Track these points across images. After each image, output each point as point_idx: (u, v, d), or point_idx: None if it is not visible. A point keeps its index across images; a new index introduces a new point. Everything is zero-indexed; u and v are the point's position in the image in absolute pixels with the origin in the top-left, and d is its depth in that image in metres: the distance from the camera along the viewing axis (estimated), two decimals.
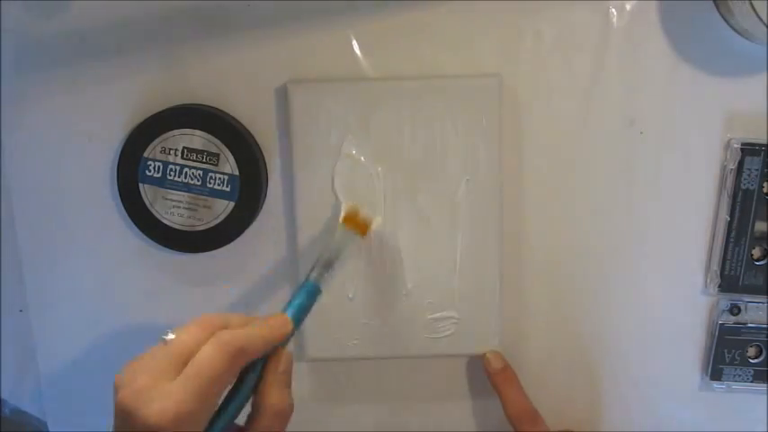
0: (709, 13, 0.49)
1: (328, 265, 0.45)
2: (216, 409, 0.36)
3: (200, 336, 0.36)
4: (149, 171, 0.49)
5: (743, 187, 0.50)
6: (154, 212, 0.50)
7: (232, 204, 0.50)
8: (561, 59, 0.50)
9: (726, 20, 0.48)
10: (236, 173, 0.49)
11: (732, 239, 0.51)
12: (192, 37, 0.50)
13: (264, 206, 0.51)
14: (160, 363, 0.35)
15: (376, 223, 0.50)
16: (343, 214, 0.49)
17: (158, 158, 0.49)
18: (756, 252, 0.51)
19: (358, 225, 0.48)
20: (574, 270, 0.52)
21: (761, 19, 0.44)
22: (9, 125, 0.51)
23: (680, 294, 0.53)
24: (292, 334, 0.41)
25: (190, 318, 0.53)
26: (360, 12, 0.49)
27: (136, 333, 0.54)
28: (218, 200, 0.50)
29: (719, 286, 0.52)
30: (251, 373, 0.38)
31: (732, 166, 0.50)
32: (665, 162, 0.51)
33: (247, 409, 0.39)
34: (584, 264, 0.52)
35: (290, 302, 0.42)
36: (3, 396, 0.55)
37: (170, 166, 0.49)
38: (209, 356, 0.35)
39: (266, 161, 0.51)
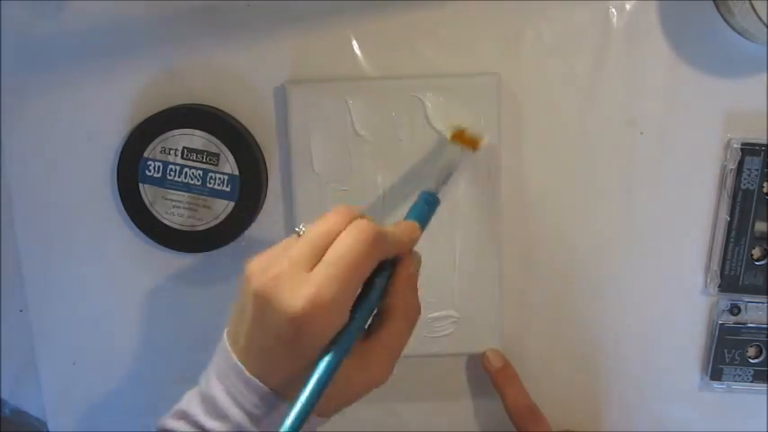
0: (709, 13, 0.49)
1: (444, 178, 0.45)
2: (354, 300, 0.35)
3: (337, 224, 0.35)
4: (149, 171, 0.49)
5: (743, 187, 0.50)
6: (154, 212, 0.50)
7: (232, 204, 0.50)
8: (561, 59, 0.50)
9: (726, 20, 0.48)
10: (236, 173, 0.49)
11: (732, 239, 0.51)
12: (192, 37, 0.50)
13: (264, 206, 0.51)
14: (298, 251, 0.34)
15: (486, 139, 0.48)
16: (450, 133, 0.48)
17: (158, 158, 0.49)
18: (756, 252, 0.51)
19: (466, 141, 0.48)
20: (573, 269, 0.52)
21: (761, 19, 0.44)
22: (9, 125, 0.51)
23: (680, 294, 0.53)
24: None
25: (190, 317, 0.53)
26: (360, 12, 0.49)
27: (136, 333, 0.54)
28: (218, 200, 0.50)
29: (719, 286, 0.52)
30: (379, 276, 0.37)
31: (732, 166, 0.50)
32: (665, 162, 0.51)
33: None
34: (584, 263, 0.52)
35: (410, 213, 0.42)
36: (3, 396, 0.55)
37: (170, 166, 0.49)
38: (348, 243, 0.34)
39: (266, 161, 0.51)
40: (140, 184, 0.50)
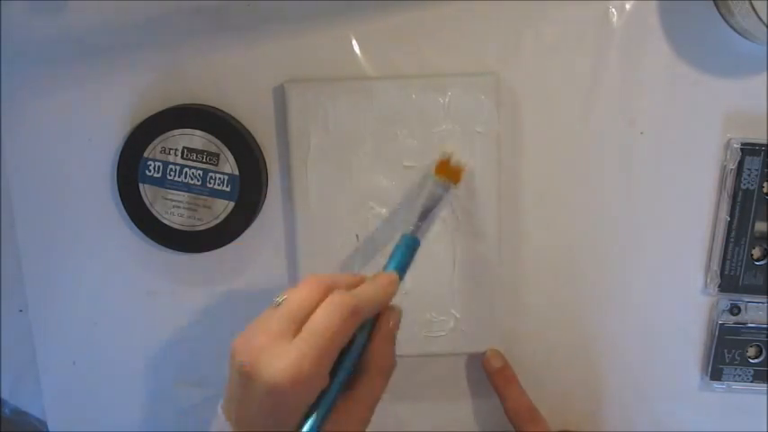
0: (709, 13, 0.49)
1: (424, 216, 0.46)
2: (329, 370, 0.37)
3: (313, 296, 0.37)
4: (149, 171, 0.49)
5: (743, 187, 0.50)
6: (154, 212, 0.50)
7: (232, 204, 0.50)
8: (561, 59, 0.50)
9: (726, 20, 0.48)
10: (236, 173, 0.49)
11: (732, 239, 0.51)
12: (192, 37, 0.50)
13: (264, 206, 0.51)
14: (276, 324, 0.36)
15: (467, 170, 0.49)
16: (435, 164, 0.48)
17: (158, 158, 0.49)
18: (756, 252, 0.51)
19: (450, 173, 0.48)
20: (573, 269, 0.52)
21: (761, 19, 0.44)
22: (9, 125, 0.51)
23: (680, 294, 0.53)
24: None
25: (190, 318, 0.53)
26: (360, 12, 0.49)
27: (136, 333, 0.54)
28: (218, 200, 0.50)
29: (719, 286, 0.52)
30: (360, 332, 0.38)
31: (732, 166, 0.50)
32: (665, 162, 0.51)
33: None
34: (584, 263, 0.52)
35: (391, 259, 0.43)
36: (3, 396, 0.55)
37: (170, 166, 0.49)
38: (324, 318, 0.36)
39: (266, 161, 0.51)
40: (140, 184, 0.50)
